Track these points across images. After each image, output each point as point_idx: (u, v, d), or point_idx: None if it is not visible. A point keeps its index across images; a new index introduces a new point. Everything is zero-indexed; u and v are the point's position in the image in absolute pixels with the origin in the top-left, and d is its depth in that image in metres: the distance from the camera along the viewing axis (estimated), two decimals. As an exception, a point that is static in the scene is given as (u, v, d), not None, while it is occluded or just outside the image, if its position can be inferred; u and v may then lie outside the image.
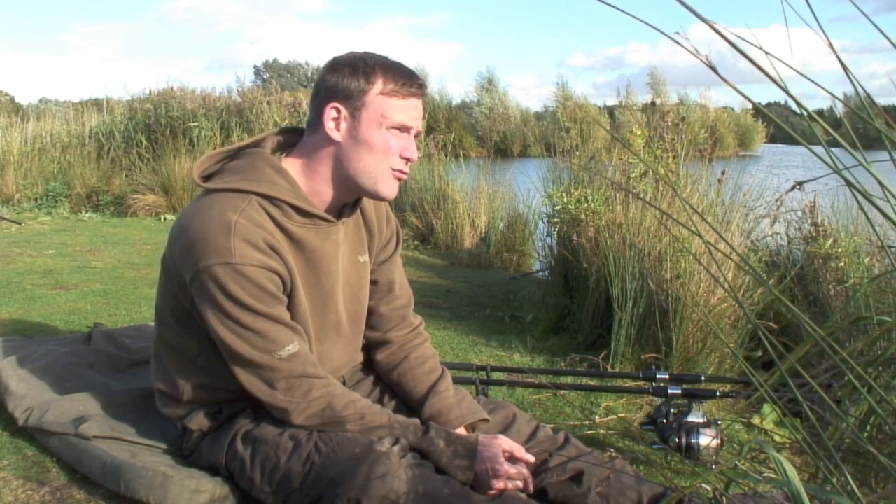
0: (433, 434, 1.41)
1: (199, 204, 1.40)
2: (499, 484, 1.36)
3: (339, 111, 1.41)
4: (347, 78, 1.40)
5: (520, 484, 1.38)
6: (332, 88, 1.42)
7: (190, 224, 1.37)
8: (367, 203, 1.59)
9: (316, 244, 1.45)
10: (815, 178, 0.87)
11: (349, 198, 1.50)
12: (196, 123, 7.97)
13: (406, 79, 1.42)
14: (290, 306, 1.43)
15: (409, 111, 1.42)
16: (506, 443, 1.42)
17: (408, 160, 1.44)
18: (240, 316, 1.35)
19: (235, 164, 1.45)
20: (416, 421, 1.46)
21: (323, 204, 1.46)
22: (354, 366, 1.66)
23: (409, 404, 1.61)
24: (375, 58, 1.43)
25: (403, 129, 1.42)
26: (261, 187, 1.39)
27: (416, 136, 1.47)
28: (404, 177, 1.46)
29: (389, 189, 1.45)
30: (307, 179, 1.44)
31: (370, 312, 1.65)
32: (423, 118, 1.53)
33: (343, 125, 1.41)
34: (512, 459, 1.41)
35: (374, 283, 1.64)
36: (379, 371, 1.66)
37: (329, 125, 1.41)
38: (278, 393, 1.38)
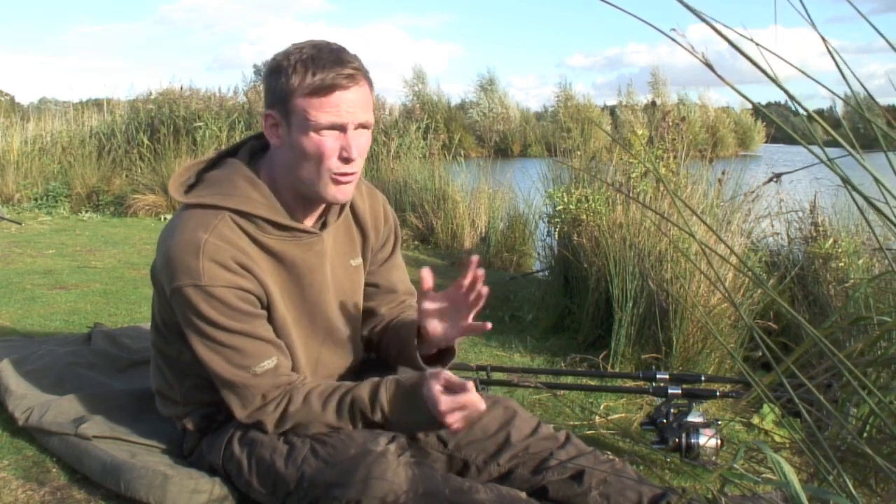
0: (384, 387, 1.39)
1: (176, 219, 1.39)
2: (451, 422, 1.34)
3: (273, 118, 1.35)
4: (273, 81, 1.32)
5: (480, 407, 1.34)
6: (265, 93, 1.35)
7: (166, 241, 1.37)
8: (360, 202, 1.55)
9: (297, 256, 1.42)
10: (794, 171, 0.87)
11: (315, 204, 1.43)
12: (201, 123, 7.97)
13: (324, 72, 1.28)
14: (270, 320, 1.41)
15: (336, 107, 1.30)
16: (442, 379, 1.35)
17: (347, 160, 1.33)
18: (214, 334, 1.34)
19: (212, 177, 1.42)
20: (373, 380, 1.44)
21: (299, 212, 1.42)
22: (352, 370, 1.64)
23: (401, 341, 1.56)
24: (301, 52, 1.31)
25: (335, 128, 1.31)
26: (234, 202, 1.36)
27: (362, 128, 1.35)
28: (349, 178, 1.35)
29: (335, 193, 1.36)
30: (275, 188, 1.39)
31: (373, 313, 1.63)
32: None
33: (280, 132, 1.35)
34: (452, 389, 1.35)
35: (375, 286, 1.62)
36: (377, 340, 1.65)
37: (268, 133, 1.37)
38: (251, 410, 1.39)
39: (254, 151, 1.45)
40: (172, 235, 1.35)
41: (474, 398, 1.35)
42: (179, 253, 1.32)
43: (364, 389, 1.41)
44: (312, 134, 1.31)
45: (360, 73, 1.32)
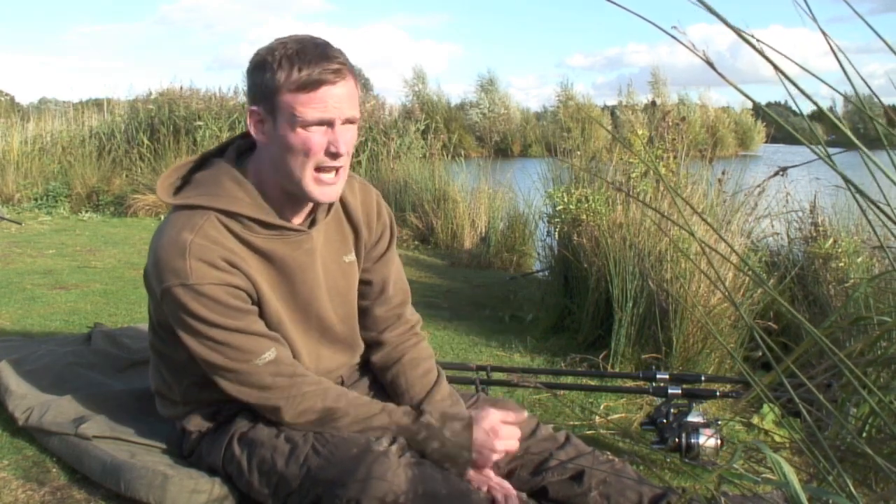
0: (427, 418, 1.42)
1: (165, 221, 1.39)
2: (500, 449, 1.42)
3: (258, 114, 1.33)
4: (257, 77, 1.31)
5: (516, 447, 1.44)
6: (250, 89, 1.34)
7: (154, 243, 1.36)
8: (351, 199, 1.53)
9: (285, 255, 1.41)
10: (798, 165, 0.88)
11: (303, 203, 1.42)
12: (201, 123, 7.96)
13: (310, 67, 1.28)
14: (262, 315, 1.40)
15: (323, 103, 1.29)
16: (495, 416, 1.46)
17: (335, 155, 1.33)
18: (210, 332, 1.34)
19: (199, 177, 1.41)
20: (408, 407, 1.47)
21: (287, 210, 1.41)
22: (352, 366, 1.65)
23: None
24: (285, 47, 1.30)
25: (323, 123, 1.31)
26: (220, 202, 1.35)
27: (349, 123, 1.35)
28: (333, 180, 1.35)
29: (320, 192, 1.35)
30: (262, 187, 1.39)
31: (364, 313, 1.61)
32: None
33: (265, 128, 1.34)
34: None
35: (367, 283, 1.60)
36: (374, 371, 1.65)
37: (254, 130, 1.35)
38: (267, 392, 1.37)
39: (241, 151, 1.44)
40: (160, 237, 1.35)
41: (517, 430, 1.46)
42: (166, 254, 1.32)
43: (404, 406, 1.47)
44: (300, 130, 1.30)
45: (345, 68, 1.32)
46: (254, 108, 1.34)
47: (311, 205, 1.44)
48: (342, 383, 1.60)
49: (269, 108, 1.32)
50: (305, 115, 1.29)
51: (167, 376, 1.52)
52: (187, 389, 1.50)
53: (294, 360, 1.43)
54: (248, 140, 1.44)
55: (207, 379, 1.43)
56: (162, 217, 6.76)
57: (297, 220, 1.44)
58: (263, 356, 1.36)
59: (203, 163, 1.46)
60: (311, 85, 1.28)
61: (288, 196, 1.40)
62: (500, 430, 1.43)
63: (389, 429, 1.40)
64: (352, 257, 1.55)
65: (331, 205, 1.48)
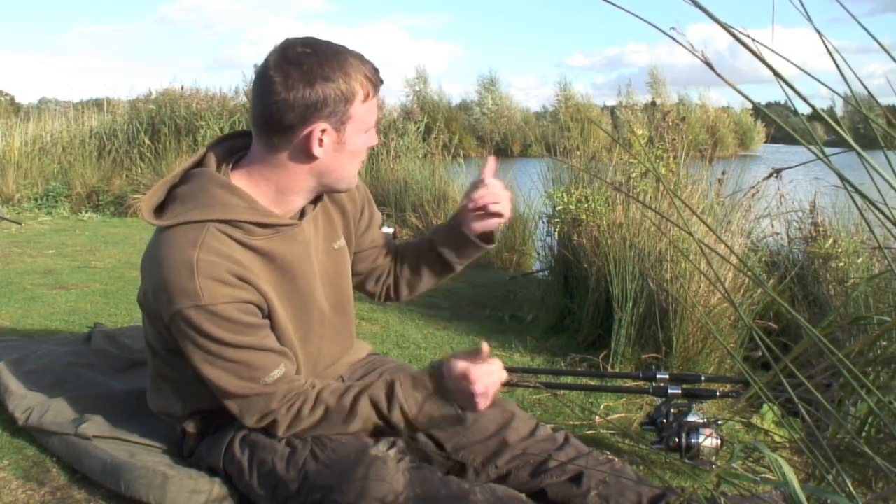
0: (399, 383, 1.41)
1: (158, 242, 1.33)
2: (481, 392, 1.35)
3: (325, 130, 1.31)
4: (331, 91, 1.28)
5: (503, 376, 1.40)
6: (313, 105, 1.28)
7: (154, 266, 1.31)
8: None
9: (284, 250, 1.40)
10: (793, 167, 0.88)
11: (299, 201, 1.43)
12: (203, 123, 7.96)
13: (378, 78, 1.35)
14: (272, 326, 1.39)
15: (377, 104, 1.39)
16: (459, 355, 1.41)
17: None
18: (222, 352, 1.31)
19: (184, 191, 1.37)
20: (386, 378, 1.45)
21: (288, 210, 1.41)
22: (351, 363, 1.65)
23: (425, 257, 1.67)
24: (350, 60, 1.31)
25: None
26: (215, 213, 1.32)
27: None
28: None
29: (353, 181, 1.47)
30: (273, 192, 1.37)
31: (377, 267, 1.69)
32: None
33: (326, 141, 1.32)
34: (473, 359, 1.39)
35: (374, 246, 1.67)
36: (388, 284, 1.71)
37: (315, 146, 1.32)
38: (261, 415, 1.37)
39: (220, 158, 1.42)
40: (160, 259, 1.30)
41: (497, 362, 1.39)
42: (173, 276, 1.28)
43: (379, 387, 1.41)
44: (364, 134, 1.37)
45: None
46: (323, 125, 1.31)
47: (303, 200, 1.43)
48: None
49: (339, 122, 1.32)
50: (372, 118, 1.37)
51: (171, 397, 1.50)
52: (193, 411, 1.50)
53: (295, 375, 1.42)
54: (232, 143, 1.44)
55: (211, 403, 1.42)
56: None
57: (288, 216, 1.43)
58: (272, 373, 1.35)
59: (183, 177, 1.42)
60: (375, 89, 1.35)
61: (312, 196, 1.42)
62: (472, 374, 1.35)
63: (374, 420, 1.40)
64: (341, 243, 1.56)
65: (318, 197, 1.48)
